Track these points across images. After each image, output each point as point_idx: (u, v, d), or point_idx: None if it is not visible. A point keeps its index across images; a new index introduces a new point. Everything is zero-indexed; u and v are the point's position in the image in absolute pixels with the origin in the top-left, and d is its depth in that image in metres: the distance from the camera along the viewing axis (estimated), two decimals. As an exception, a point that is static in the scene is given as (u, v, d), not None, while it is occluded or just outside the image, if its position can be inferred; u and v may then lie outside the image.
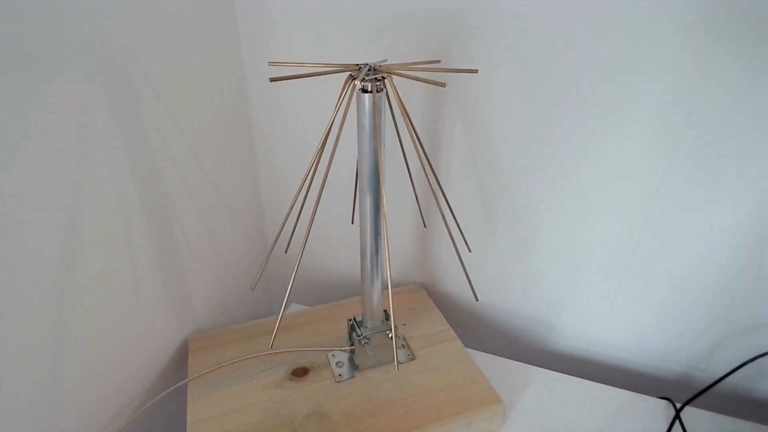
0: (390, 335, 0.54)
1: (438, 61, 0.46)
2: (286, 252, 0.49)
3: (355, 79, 0.38)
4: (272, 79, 0.36)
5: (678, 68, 0.47)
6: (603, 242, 0.59)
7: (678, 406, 0.58)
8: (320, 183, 0.40)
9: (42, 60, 0.37)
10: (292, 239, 0.48)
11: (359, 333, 0.54)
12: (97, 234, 0.46)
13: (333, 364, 0.57)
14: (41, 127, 0.38)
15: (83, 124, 0.42)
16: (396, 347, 0.46)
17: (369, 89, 0.38)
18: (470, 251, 0.65)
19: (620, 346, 0.67)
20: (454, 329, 0.63)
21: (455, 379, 0.56)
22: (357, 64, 0.39)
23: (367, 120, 0.40)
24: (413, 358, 0.59)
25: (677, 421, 0.56)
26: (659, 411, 0.58)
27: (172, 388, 0.55)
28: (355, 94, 0.39)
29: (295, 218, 0.45)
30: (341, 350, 0.59)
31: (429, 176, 0.44)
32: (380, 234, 0.47)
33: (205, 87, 0.57)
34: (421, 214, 0.57)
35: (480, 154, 0.60)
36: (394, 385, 0.55)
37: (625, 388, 0.61)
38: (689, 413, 0.57)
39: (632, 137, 0.52)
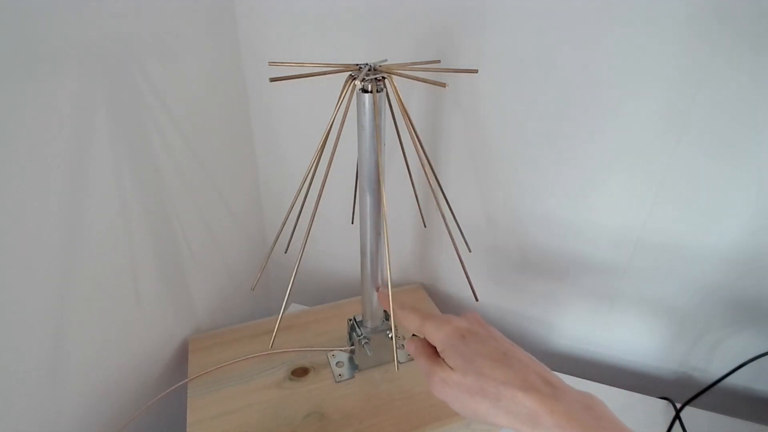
0: (390, 335, 0.54)
1: (438, 61, 0.46)
2: (286, 252, 0.49)
3: (355, 79, 0.38)
4: (272, 79, 0.36)
5: (682, 55, 0.46)
6: (603, 242, 0.59)
7: (678, 406, 0.58)
8: (320, 183, 0.40)
9: (42, 60, 0.37)
10: (292, 239, 0.48)
11: (359, 333, 0.54)
12: (97, 234, 0.46)
13: (333, 364, 0.57)
14: (41, 127, 0.38)
15: (83, 125, 0.42)
16: (396, 347, 0.46)
17: (369, 89, 0.38)
18: (470, 251, 0.65)
19: (620, 346, 0.67)
20: (454, 329, 0.63)
21: (455, 379, 0.56)
22: (357, 64, 0.39)
23: (367, 120, 0.40)
24: (413, 358, 0.59)
25: (677, 421, 0.56)
26: (659, 411, 0.58)
27: (172, 388, 0.55)
28: (355, 94, 0.39)
29: (295, 218, 0.45)
30: (341, 350, 0.59)
31: (429, 176, 0.44)
32: (380, 234, 0.47)
33: (205, 87, 0.57)
34: (421, 214, 0.57)
35: (480, 153, 0.60)
36: (394, 385, 0.55)
37: (625, 388, 0.61)
38: (689, 413, 0.57)
39: (635, 133, 0.52)
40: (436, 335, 0.39)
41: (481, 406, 0.34)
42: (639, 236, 0.57)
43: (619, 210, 0.57)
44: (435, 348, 0.40)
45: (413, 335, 0.43)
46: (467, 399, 0.35)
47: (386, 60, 0.40)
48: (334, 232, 0.71)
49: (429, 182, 0.44)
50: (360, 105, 0.40)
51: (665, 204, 0.54)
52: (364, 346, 0.54)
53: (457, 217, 0.51)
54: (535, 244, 0.63)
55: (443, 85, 0.35)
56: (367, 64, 0.39)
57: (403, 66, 0.40)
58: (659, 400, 0.60)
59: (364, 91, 0.39)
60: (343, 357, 0.58)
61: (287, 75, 0.36)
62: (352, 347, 0.57)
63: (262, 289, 0.80)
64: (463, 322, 0.39)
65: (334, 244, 0.75)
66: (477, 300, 0.52)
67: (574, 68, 0.50)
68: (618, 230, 0.58)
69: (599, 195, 0.57)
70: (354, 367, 0.57)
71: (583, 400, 0.34)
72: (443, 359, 0.38)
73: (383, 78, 0.39)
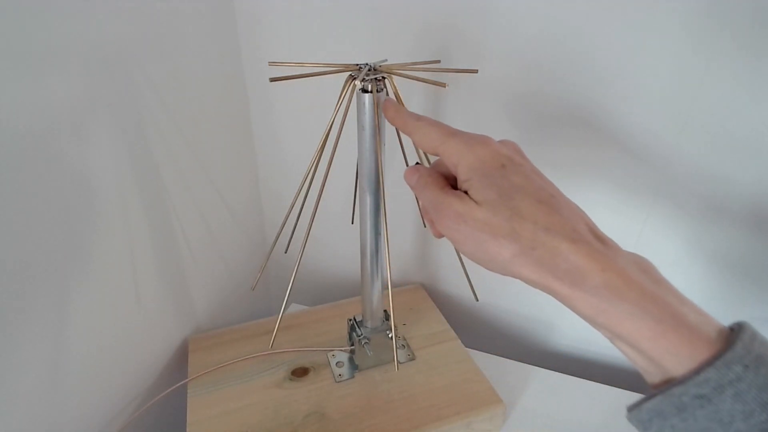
0: (390, 335, 0.54)
1: (438, 61, 0.46)
2: (286, 252, 0.49)
3: (355, 79, 0.38)
4: (272, 79, 0.36)
5: (680, 63, 0.46)
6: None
7: (678, 406, 0.58)
8: (320, 183, 0.40)
9: (42, 59, 0.37)
10: (292, 239, 0.48)
11: (359, 333, 0.54)
12: (97, 234, 0.46)
13: (333, 364, 0.57)
14: (41, 126, 0.38)
15: (83, 124, 0.42)
16: (396, 347, 0.46)
17: (369, 89, 0.38)
18: (470, 251, 0.65)
19: (620, 346, 0.67)
20: (454, 329, 0.63)
21: (455, 379, 0.56)
22: (357, 64, 0.39)
23: (367, 120, 0.40)
24: (413, 358, 0.59)
25: (677, 421, 0.56)
26: (659, 411, 0.58)
27: (172, 388, 0.55)
28: (355, 94, 0.39)
29: (295, 218, 0.45)
30: (341, 350, 0.59)
31: (429, 176, 0.44)
32: (380, 234, 0.47)
33: (205, 87, 0.57)
34: (421, 214, 0.57)
35: (480, 154, 0.59)
36: (394, 385, 0.55)
37: (625, 388, 0.61)
38: (689, 413, 0.57)
39: (634, 135, 0.52)
40: (465, 159, 0.31)
41: (505, 252, 0.29)
42: (639, 236, 0.57)
43: (620, 210, 0.57)
44: (445, 179, 0.33)
45: (416, 163, 0.36)
46: (488, 241, 0.29)
47: (386, 60, 0.40)
48: (334, 232, 0.71)
49: (429, 182, 0.44)
50: (360, 105, 0.40)
51: (664, 207, 0.54)
52: (364, 346, 0.54)
53: (457, 217, 0.51)
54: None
55: (443, 85, 0.35)
56: (367, 64, 0.39)
57: (403, 66, 0.40)
58: (659, 400, 0.60)
59: (364, 91, 0.39)
60: (343, 357, 0.58)
61: (287, 75, 0.36)
62: (352, 347, 0.57)
63: (262, 289, 0.80)
64: (503, 147, 0.32)
65: (334, 244, 0.75)
66: (477, 300, 0.52)
67: (574, 67, 0.50)
68: (618, 230, 0.57)
69: (599, 194, 0.57)
70: (354, 367, 0.57)
71: (638, 261, 0.29)
72: (464, 191, 0.31)
73: (383, 78, 0.39)
